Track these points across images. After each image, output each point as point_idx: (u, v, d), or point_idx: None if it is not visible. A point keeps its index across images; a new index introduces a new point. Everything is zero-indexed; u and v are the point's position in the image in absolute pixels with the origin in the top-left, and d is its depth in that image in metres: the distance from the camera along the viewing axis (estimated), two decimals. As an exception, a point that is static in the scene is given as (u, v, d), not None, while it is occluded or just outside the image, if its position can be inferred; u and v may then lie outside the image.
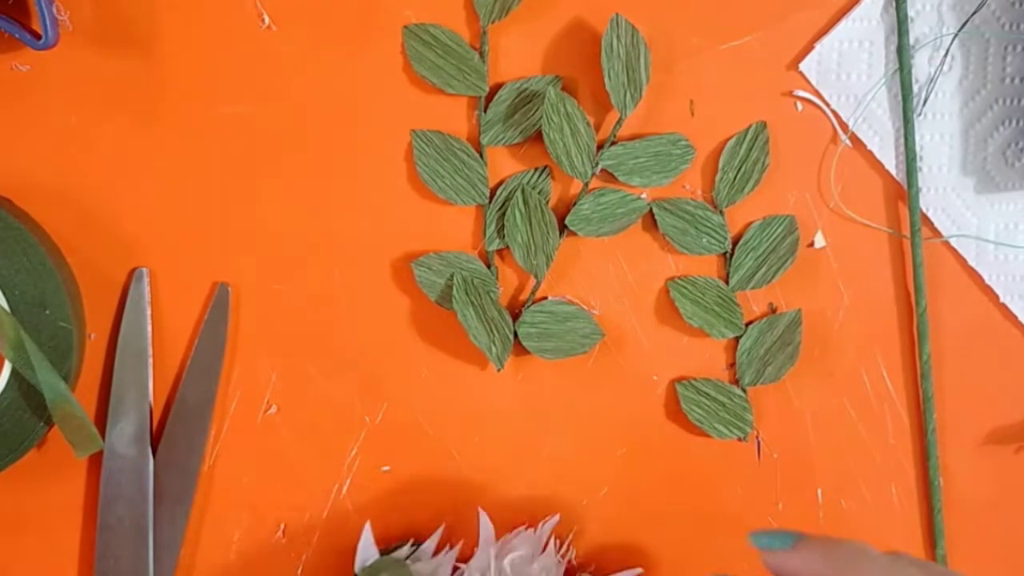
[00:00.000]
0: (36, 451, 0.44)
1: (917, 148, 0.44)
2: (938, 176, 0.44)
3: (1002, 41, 0.43)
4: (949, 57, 0.43)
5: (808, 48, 0.43)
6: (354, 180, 0.44)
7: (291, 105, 0.43)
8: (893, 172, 0.44)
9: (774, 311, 0.45)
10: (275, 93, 0.43)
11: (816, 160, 0.44)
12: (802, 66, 0.43)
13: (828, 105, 0.44)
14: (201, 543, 0.45)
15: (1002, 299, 0.45)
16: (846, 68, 0.43)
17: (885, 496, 0.46)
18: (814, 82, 0.43)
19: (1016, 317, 0.45)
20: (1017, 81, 0.43)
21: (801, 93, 0.44)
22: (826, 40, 0.43)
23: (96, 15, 0.42)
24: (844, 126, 0.44)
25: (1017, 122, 0.43)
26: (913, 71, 0.43)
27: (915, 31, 0.43)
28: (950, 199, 0.44)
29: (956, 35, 0.42)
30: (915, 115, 0.43)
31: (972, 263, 0.44)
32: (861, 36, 0.43)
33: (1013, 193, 0.44)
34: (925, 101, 0.43)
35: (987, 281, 0.45)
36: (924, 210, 0.44)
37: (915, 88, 0.43)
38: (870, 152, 0.44)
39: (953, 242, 0.44)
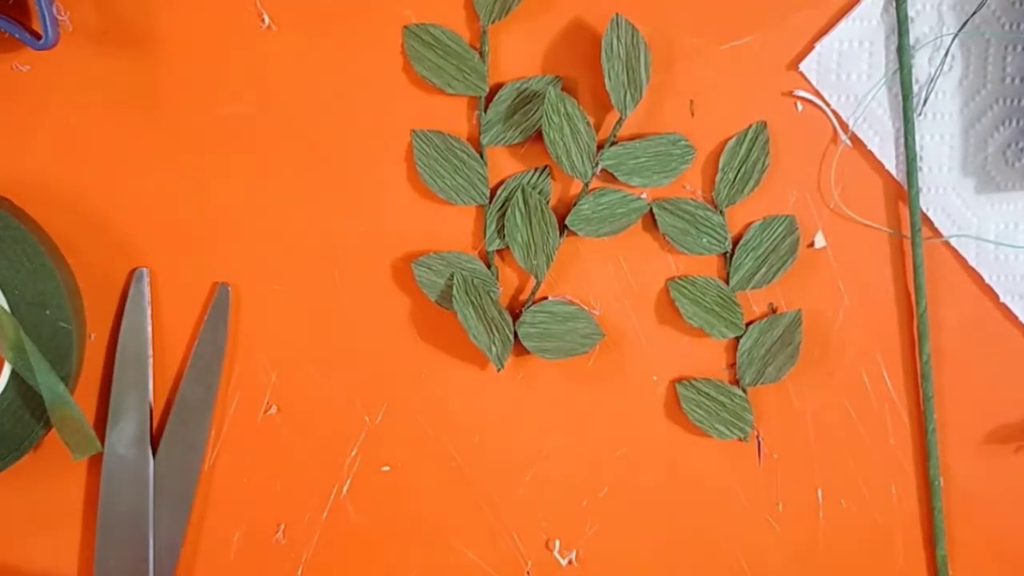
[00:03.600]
0: (36, 451, 0.44)
1: (917, 148, 0.44)
2: (938, 176, 0.44)
3: (1002, 41, 0.43)
4: (949, 57, 0.43)
5: (808, 48, 0.43)
6: (354, 180, 0.44)
7: (291, 105, 0.43)
8: (893, 172, 0.44)
9: (774, 311, 0.45)
10: (275, 93, 0.43)
11: (816, 160, 0.44)
12: (802, 66, 0.43)
13: (828, 105, 0.44)
14: (201, 543, 0.45)
15: (1002, 299, 0.45)
16: (846, 68, 0.43)
17: (885, 496, 0.46)
18: (814, 82, 0.43)
19: (1016, 317, 0.45)
20: (1017, 81, 0.43)
21: (801, 93, 0.44)
22: (826, 40, 0.43)
23: (96, 15, 0.42)
24: (844, 126, 0.44)
25: (1017, 122, 0.43)
26: (913, 71, 0.43)
27: (915, 31, 0.43)
28: (950, 199, 0.44)
29: (956, 35, 0.42)
30: (915, 115, 0.43)
31: (972, 263, 0.44)
32: (861, 36, 0.43)
33: (1013, 193, 0.44)
34: (925, 101, 0.43)
35: (987, 281, 0.45)
36: (924, 210, 0.44)
37: (915, 88, 0.43)
38: (870, 152, 0.44)
39: (953, 242, 0.45)
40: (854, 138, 0.44)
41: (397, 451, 0.45)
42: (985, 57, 0.43)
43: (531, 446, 0.46)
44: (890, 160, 0.44)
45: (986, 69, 0.43)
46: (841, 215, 0.45)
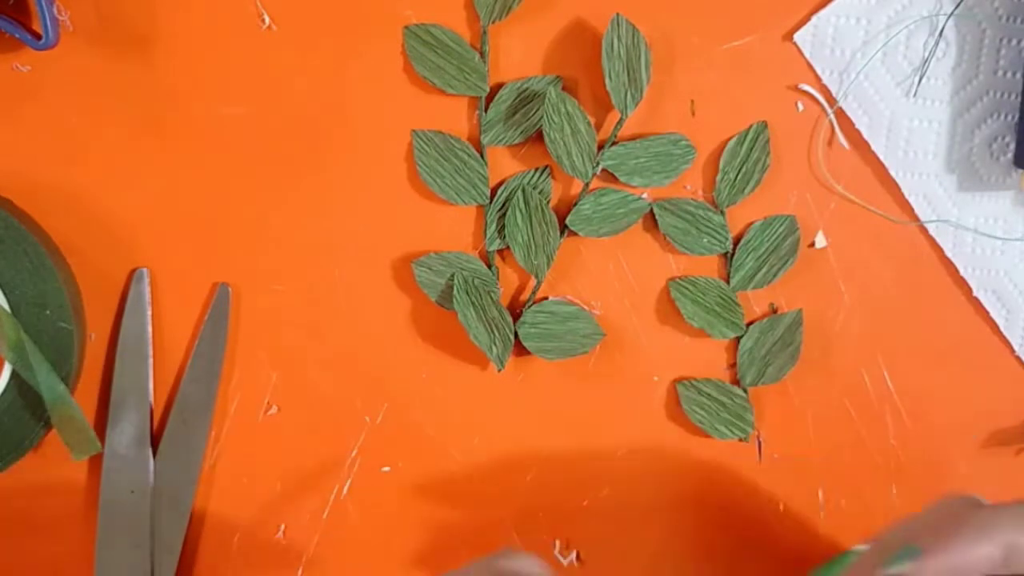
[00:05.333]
0: (36, 451, 0.44)
1: (905, 131, 0.43)
2: (923, 162, 0.44)
3: (997, 33, 0.42)
4: (943, 43, 0.42)
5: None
6: (354, 180, 0.44)
7: (291, 105, 0.43)
8: (880, 153, 0.44)
9: (775, 311, 0.45)
10: (275, 93, 0.43)
11: (817, 160, 0.44)
12: (797, 37, 0.43)
13: (819, 80, 0.43)
14: (201, 543, 0.45)
15: (975, 292, 0.45)
16: (840, 43, 0.43)
17: (885, 496, 0.46)
18: (807, 54, 0.43)
19: (987, 312, 0.45)
20: (1009, 75, 0.43)
21: (804, 87, 0.44)
22: (823, 12, 0.43)
23: (97, 15, 0.42)
24: (831, 100, 0.43)
25: (1006, 116, 0.43)
26: (907, 54, 0.43)
27: (912, 13, 0.42)
28: (932, 186, 0.44)
29: (951, 15, 0.42)
30: (908, 96, 0.43)
31: (948, 254, 0.44)
32: (859, 13, 0.43)
33: (995, 187, 0.44)
34: (919, 82, 0.43)
35: (962, 273, 0.45)
36: (906, 196, 0.44)
37: (910, 70, 0.43)
38: (857, 131, 0.44)
39: (932, 229, 0.44)
40: (840, 114, 0.44)
41: (397, 451, 0.45)
42: (979, 47, 0.43)
43: (531, 446, 0.46)
44: (879, 140, 0.44)
45: (979, 59, 0.43)
46: (841, 216, 0.45)
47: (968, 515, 0.32)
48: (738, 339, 0.45)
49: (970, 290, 0.45)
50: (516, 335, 0.44)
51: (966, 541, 0.31)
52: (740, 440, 0.45)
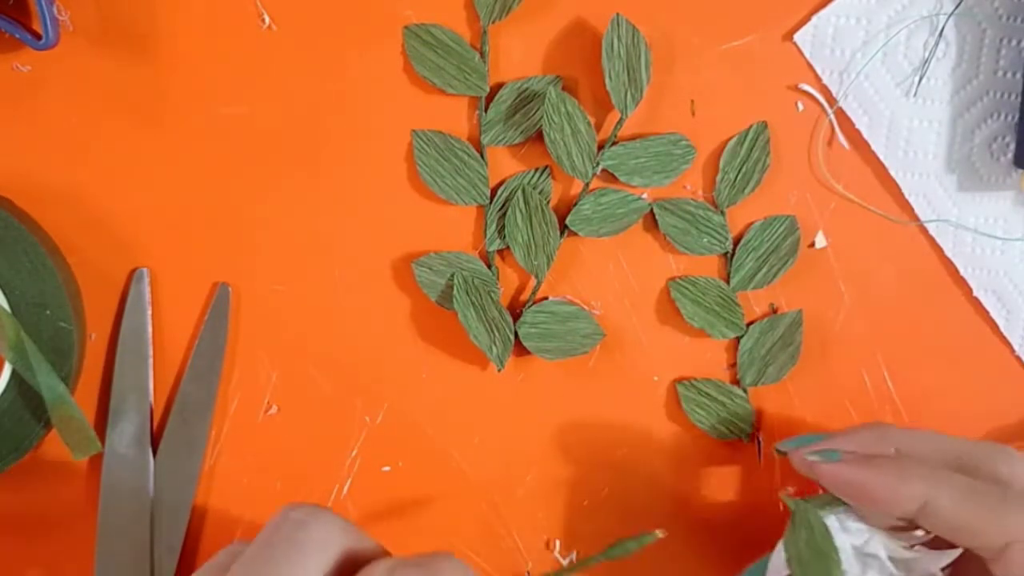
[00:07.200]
0: (36, 451, 0.44)
1: (905, 131, 0.43)
2: (923, 162, 0.44)
3: (998, 33, 0.42)
4: (943, 43, 0.42)
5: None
6: (354, 180, 0.44)
7: (291, 105, 0.43)
8: (881, 153, 0.44)
9: (775, 311, 0.45)
10: (275, 93, 0.43)
11: (817, 160, 0.44)
12: (797, 37, 0.43)
13: (819, 80, 0.43)
14: (201, 543, 0.45)
15: (975, 293, 0.45)
16: (840, 43, 0.43)
17: (886, 496, 0.46)
18: (807, 54, 0.43)
19: (988, 312, 0.45)
20: (1009, 75, 0.43)
21: (804, 87, 0.44)
22: (824, 12, 0.43)
23: (97, 15, 0.42)
24: (831, 100, 0.44)
25: (1006, 116, 0.43)
26: (907, 53, 0.43)
27: (912, 13, 0.43)
28: (932, 186, 0.44)
29: (951, 15, 0.42)
30: (908, 96, 0.43)
31: (948, 254, 0.44)
32: (859, 13, 0.43)
33: (995, 187, 0.44)
34: (919, 83, 0.43)
35: (962, 273, 0.45)
36: (906, 196, 0.44)
37: (910, 70, 0.43)
38: (857, 131, 0.44)
39: (932, 229, 0.44)
40: (840, 114, 0.44)
41: (397, 451, 0.45)
42: (979, 47, 0.43)
43: (531, 446, 0.46)
44: (879, 140, 0.44)
45: (979, 59, 0.43)
46: (842, 215, 0.45)
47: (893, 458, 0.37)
48: (738, 339, 0.45)
49: (970, 290, 0.45)
50: (516, 335, 0.44)
51: (890, 476, 0.35)
52: (740, 440, 0.45)
